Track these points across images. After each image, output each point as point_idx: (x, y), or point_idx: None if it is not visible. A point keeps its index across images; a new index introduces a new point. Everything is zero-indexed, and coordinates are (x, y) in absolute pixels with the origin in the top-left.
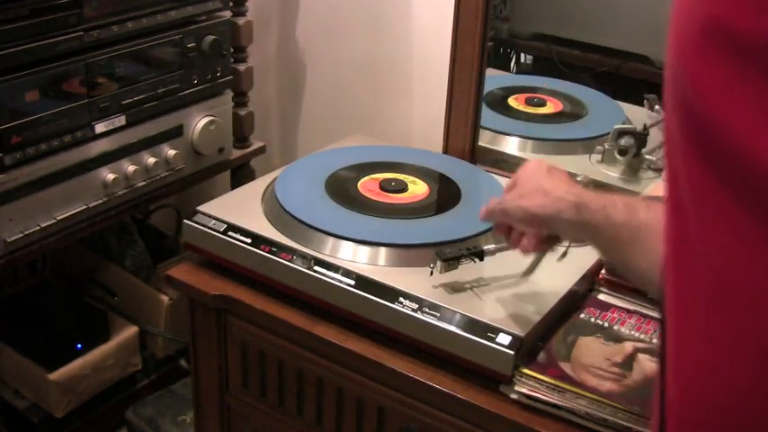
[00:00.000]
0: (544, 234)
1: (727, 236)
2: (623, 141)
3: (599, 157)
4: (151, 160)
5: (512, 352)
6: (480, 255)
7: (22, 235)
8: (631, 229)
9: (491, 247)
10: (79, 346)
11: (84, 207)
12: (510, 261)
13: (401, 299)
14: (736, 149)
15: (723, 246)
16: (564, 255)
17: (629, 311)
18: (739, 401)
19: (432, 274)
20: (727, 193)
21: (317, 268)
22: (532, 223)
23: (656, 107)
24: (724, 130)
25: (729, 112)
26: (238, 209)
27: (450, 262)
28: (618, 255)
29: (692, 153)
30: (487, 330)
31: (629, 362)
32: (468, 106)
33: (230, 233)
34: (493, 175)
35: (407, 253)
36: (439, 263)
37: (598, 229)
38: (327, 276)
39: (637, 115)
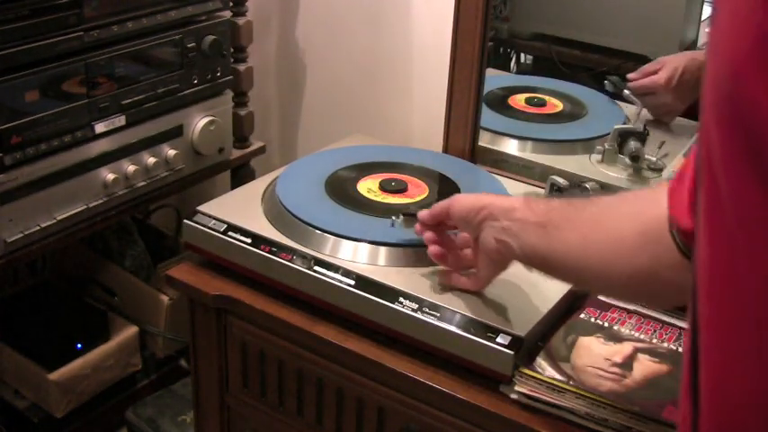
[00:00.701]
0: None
1: None
2: (632, 147)
3: (599, 157)
4: (151, 160)
5: (512, 352)
6: None
7: (22, 235)
8: (563, 210)
9: None
10: (79, 346)
11: (84, 207)
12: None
13: (401, 299)
14: None
15: None
16: None
17: (629, 311)
18: None
19: (392, 225)
20: None
21: (317, 268)
22: (470, 217)
23: (626, 92)
24: None
25: None
26: (238, 209)
27: (411, 218)
28: (548, 243)
29: (748, 177)
30: (487, 330)
31: (629, 362)
32: (468, 106)
33: (230, 233)
34: (493, 175)
35: (407, 253)
36: (402, 216)
37: (537, 215)
38: (327, 276)
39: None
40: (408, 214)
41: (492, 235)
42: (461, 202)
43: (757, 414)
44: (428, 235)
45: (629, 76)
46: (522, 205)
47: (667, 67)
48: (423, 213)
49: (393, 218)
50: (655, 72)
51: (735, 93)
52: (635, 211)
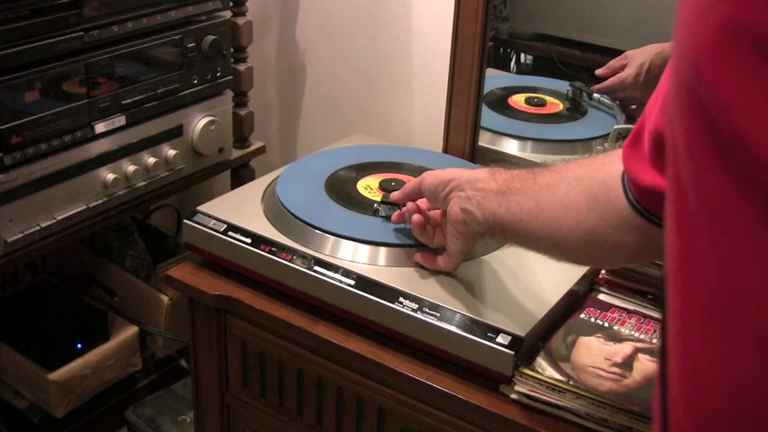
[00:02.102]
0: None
1: (749, 253)
2: None
3: None
4: (151, 160)
5: (512, 352)
6: None
7: (22, 235)
8: (522, 178)
9: None
10: (79, 346)
11: (84, 207)
12: (510, 261)
13: (401, 299)
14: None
15: (743, 262)
16: None
17: (629, 311)
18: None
19: (375, 213)
20: (754, 205)
21: (317, 268)
22: (438, 191)
23: (597, 96)
24: (751, 138)
25: (756, 119)
26: (238, 209)
27: (392, 206)
28: (507, 210)
29: (710, 164)
30: (487, 330)
31: (629, 362)
32: (468, 106)
33: (230, 233)
34: None
35: (407, 253)
36: (383, 205)
37: (498, 184)
38: (327, 276)
39: None
40: (387, 202)
41: (458, 205)
42: (431, 176)
43: (724, 400)
44: (410, 205)
45: (598, 72)
46: (486, 175)
47: (633, 63)
48: (395, 194)
49: (376, 205)
50: (621, 67)
51: (697, 83)
52: (582, 175)
